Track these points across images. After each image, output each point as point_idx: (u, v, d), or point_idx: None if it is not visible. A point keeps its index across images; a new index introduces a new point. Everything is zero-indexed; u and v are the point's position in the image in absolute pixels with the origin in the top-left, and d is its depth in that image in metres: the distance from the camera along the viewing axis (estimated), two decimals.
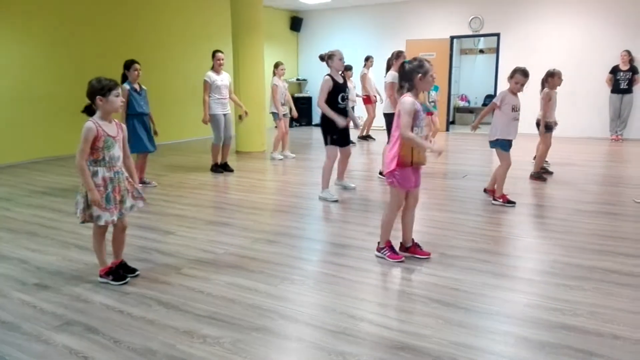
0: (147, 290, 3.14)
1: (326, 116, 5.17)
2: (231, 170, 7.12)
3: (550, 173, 6.56)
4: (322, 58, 5.30)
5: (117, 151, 3.14)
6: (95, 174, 3.07)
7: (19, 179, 6.72)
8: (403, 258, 3.53)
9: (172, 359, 2.36)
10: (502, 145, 5.03)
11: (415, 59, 3.42)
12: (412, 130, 3.29)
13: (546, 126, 6.12)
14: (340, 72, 5.27)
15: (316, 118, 10.51)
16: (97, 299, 3.03)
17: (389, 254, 3.56)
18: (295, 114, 8.68)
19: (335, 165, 5.53)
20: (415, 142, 3.29)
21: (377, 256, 3.62)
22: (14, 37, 7.68)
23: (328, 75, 5.17)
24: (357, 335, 2.56)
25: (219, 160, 7.12)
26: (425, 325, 2.65)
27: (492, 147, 5.15)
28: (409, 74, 3.35)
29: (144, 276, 3.36)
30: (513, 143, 5.14)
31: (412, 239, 3.69)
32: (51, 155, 8.25)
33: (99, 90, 3.04)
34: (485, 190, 5.44)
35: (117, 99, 3.08)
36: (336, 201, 5.26)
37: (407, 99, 3.32)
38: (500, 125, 4.96)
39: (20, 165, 7.66)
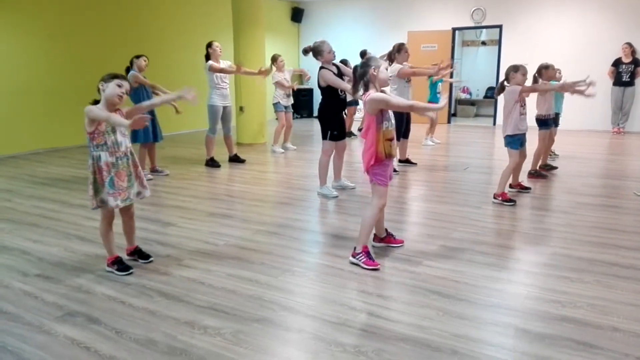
0: (148, 282, 3.15)
1: (327, 110, 5.06)
2: (242, 161, 7.12)
3: (555, 168, 6.52)
4: (306, 52, 5.10)
5: (119, 137, 3.17)
6: (98, 158, 3.11)
7: (19, 170, 6.73)
8: (379, 266, 3.32)
9: (174, 349, 2.38)
10: (513, 143, 4.90)
11: (365, 59, 3.31)
12: (382, 124, 3.24)
13: (544, 121, 6.06)
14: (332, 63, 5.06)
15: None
16: (99, 289, 3.04)
17: (364, 260, 3.34)
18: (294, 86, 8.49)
19: (331, 164, 5.33)
20: (424, 107, 3.28)
21: (352, 262, 3.40)
22: (13, 29, 7.65)
23: (322, 67, 4.98)
24: (357, 327, 2.57)
25: (230, 154, 7.13)
26: (425, 317, 2.66)
27: (505, 145, 4.99)
28: (363, 76, 3.26)
29: (145, 267, 3.38)
30: (527, 138, 5.04)
31: (386, 229, 3.72)
32: (52, 146, 8.26)
33: (103, 77, 3.14)
34: (511, 186, 5.27)
35: (117, 89, 3.09)
36: (336, 197, 5.18)
37: (373, 93, 3.23)
38: (513, 121, 4.84)
39: (21, 157, 7.66)
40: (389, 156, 3.32)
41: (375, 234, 3.72)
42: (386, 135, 3.27)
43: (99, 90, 3.14)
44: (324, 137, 5.15)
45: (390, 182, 3.45)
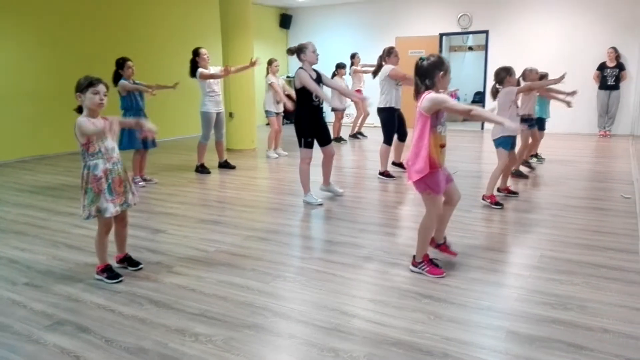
0: (138, 289, 3.12)
1: (300, 117, 5.00)
2: (233, 167, 7.09)
3: (533, 168, 6.65)
4: (291, 52, 5.04)
5: (110, 142, 3.18)
6: (95, 166, 3.10)
7: (6, 178, 6.66)
8: (444, 273, 3.24)
9: (164, 357, 2.36)
10: (505, 143, 4.93)
11: (432, 55, 3.19)
12: (436, 128, 3.12)
13: (526, 120, 6.18)
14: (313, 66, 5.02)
15: None
16: (88, 298, 3.01)
17: (428, 268, 3.26)
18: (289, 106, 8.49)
19: (318, 170, 5.31)
20: (484, 115, 3.45)
21: (413, 271, 3.32)
22: (0, 35, 7.58)
23: (300, 68, 4.91)
24: (349, 332, 2.57)
25: (220, 160, 7.11)
26: (417, 321, 2.67)
27: (496, 146, 5.00)
28: (430, 71, 3.11)
29: (135, 275, 3.35)
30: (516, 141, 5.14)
31: (445, 237, 3.57)
32: (39, 154, 8.18)
33: (77, 87, 3.09)
34: (499, 190, 5.28)
35: (95, 97, 3.07)
36: (321, 204, 5.09)
37: (433, 93, 3.08)
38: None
39: (7, 165, 7.58)
40: (439, 165, 3.17)
41: (432, 238, 3.54)
42: (438, 141, 3.14)
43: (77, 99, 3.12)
44: (299, 145, 5.08)
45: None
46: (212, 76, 6.56)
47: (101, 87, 3.10)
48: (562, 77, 5.51)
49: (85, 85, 3.06)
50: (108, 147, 3.15)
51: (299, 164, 5.20)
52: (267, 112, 7.95)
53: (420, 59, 3.19)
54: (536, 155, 7.30)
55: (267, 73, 7.85)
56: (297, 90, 4.96)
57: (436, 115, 3.11)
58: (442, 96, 3.09)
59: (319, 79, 5.00)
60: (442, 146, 3.18)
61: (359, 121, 10.28)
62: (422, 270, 3.29)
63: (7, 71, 7.69)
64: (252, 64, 6.70)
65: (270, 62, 7.90)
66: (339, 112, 9.72)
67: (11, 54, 7.74)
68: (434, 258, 3.40)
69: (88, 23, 8.72)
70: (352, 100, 9.96)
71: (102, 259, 3.29)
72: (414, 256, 3.37)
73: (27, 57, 7.92)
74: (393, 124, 6.19)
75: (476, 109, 3.21)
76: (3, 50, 7.64)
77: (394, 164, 6.66)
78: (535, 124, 6.49)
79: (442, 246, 3.57)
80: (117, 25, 9.23)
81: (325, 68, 5.11)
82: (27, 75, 7.93)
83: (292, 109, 8.10)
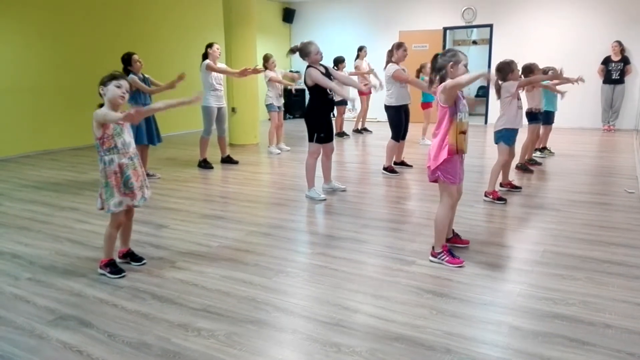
0: (141, 284, 3.13)
1: (313, 111, 5.00)
2: (235, 162, 7.09)
3: (539, 164, 6.63)
4: (292, 52, 5.03)
5: (127, 137, 3.21)
6: (111, 161, 3.13)
7: (9, 173, 6.67)
8: (464, 262, 3.32)
9: (167, 352, 2.37)
10: (507, 138, 4.93)
11: (448, 50, 3.36)
12: (456, 116, 3.21)
13: (533, 115, 6.18)
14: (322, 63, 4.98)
15: None
16: (91, 292, 3.02)
17: (447, 258, 3.33)
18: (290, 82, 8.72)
19: (319, 165, 5.27)
20: (470, 77, 3.15)
21: (432, 261, 3.38)
22: (2, 28, 7.59)
23: (309, 66, 4.90)
24: (351, 327, 2.57)
25: (222, 155, 7.11)
26: (419, 316, 2.67)
27: (497, 140, 5.02)
28: (441, 68, 3.29)
29: (138, 270, 3.36)
30: (518, 136, 5.09)
31: (452, 230, 3.66)
32: (42, 149, 8.19)
33: (101, 81, 3.14)
34: (501, 185, 5.29)
35: (117, 90, 3.10)
36: (324, 200, 5.10)
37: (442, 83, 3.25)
38: (509, 116, 4.88)
39: (11, 160, 7.60)
40: (460, 151, 3.28)
41: None
42: (460, 128, 3.23)
43: (100, 95, 3.14)
44: (310, 139, 5.07)
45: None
46: (219, 70, 6.58)
47: (124, 82, 3.16)
48: (560, 72, 5.58)
49: (109, 78, 3.13)
50: (125, 142, 3.18)
51: (305, 159, 5.20)
52: (268, 106, 7.90)
53: (436, 54, 3.39)
54: (541, 150, 7.29)
55: (265, 69, 7.79)
56: (309, 88, 4.94)
57: (455, 104, 3.22)
58: (448, 81, 3.20)
59: (328, 75, 4.99)
60: (463, 132, 3.27)
61: (362, 117, 10.27)
62: (442, 260, 3.35)
63: (9, 66, 7.68)
64: (256, 70, 6.89)
65: (266, 59, 7.84)
66: (341, 106, 9.69)
67: (13, 48, 7.73)
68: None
69: (90, 17, 8.70)
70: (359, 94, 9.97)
71: (108, 253, 3.30)
72: (433, 247, 3.43)
73: (30, 51, 7.91)
74: (400, 120, 6.19)
75: (473, 72, 3.22)
76: (5, 44, 7.63)
77: (395, 163, 6.61)
78: (541, 117, 6.47)
79: (452, 239, 3.65)
80: (120, 19, 9.22)
81: (328, 63, 5.09)
82: (30, 69, 7.92)
83: (298, 80, 8.25)
